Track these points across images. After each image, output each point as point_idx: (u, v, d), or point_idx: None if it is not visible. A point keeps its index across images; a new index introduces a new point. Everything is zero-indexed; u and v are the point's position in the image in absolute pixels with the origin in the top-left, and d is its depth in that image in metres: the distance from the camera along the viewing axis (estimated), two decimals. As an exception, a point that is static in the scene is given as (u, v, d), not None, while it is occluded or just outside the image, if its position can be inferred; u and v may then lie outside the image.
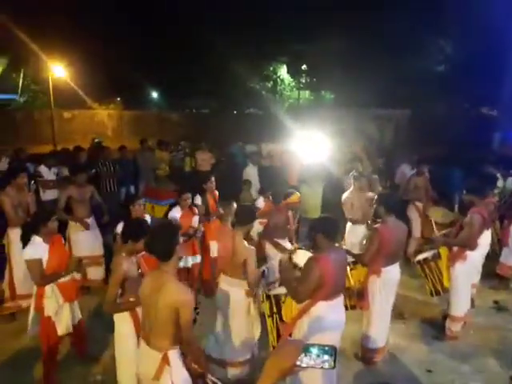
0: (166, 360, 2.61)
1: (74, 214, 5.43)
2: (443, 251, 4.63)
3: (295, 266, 4.19)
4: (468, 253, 4.51)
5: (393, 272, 4.12)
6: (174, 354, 2.65)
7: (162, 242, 2.62)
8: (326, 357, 1.36)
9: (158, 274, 2.65)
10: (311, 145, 7.79)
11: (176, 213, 5.07)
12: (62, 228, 5.34)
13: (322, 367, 1.37)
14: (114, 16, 22.68)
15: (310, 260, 3.24)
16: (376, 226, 4.11)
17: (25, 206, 4.98)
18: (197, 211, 5.36)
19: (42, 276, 3.60)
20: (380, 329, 4.17)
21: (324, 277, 3.09)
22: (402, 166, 8.35)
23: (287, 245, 5.12)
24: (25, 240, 3.69)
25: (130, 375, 3.30)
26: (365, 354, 4.23)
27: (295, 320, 3.31)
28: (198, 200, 5.80)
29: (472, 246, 4.51)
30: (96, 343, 4.33)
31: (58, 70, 17.73)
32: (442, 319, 4.85)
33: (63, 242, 4.01)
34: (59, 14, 20.28)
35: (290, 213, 5.26)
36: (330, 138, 8.42)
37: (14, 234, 4.81)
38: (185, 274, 5.20)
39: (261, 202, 6.11)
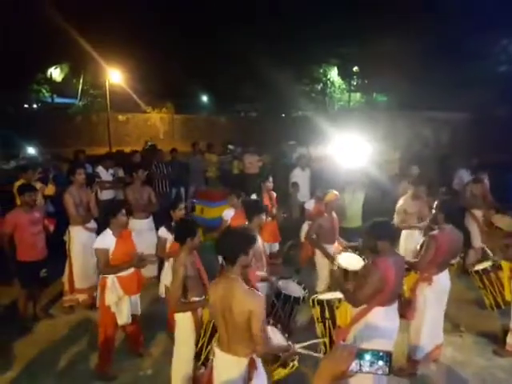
0: (253, 365, 2.62)
1: (134, 212, 5.65)
2: (505, 262, 4.36)
3: (345, 270, 4.12)
4: None
5: (443, 279, 3.97)
6: (257, 358, 2.66)
7: (228, 245, 2.63)
8: (381, 363, 1.32)
9: (224, 281, 2.62)
10: (352, 149, 7.57)
11: (230, 212, 5.17)
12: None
13: (376, 373, 1.32)
14: (170, 26, 23.50)
15: (370, 264, 3.19)
16: (433, 233, 3.95)
17: (86, 204, 5.21)
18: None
19: (105, 265, 3.85)
20: (430, 338, 4.00)
21: (384, 281, 3.02)
22: (460, 171, 7.95)
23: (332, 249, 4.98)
24: (100, 231, 3.96)
25: (185, 373, 3.41)
26: (408, 365, 4.05)
27: (350, 325, 3.25)
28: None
29: None
30: (146, 339, 4.45)
31: (115, 75, 18.63)
32: (502, 334, 4.54)
33: (132, 236, 4.19)
34: (116, 22, 21.29)
35: (334, 214, 5.11)
36: (379, 142, 8.20)
37: (75, 232, 5.12)
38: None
39: (311, 204, 6.05)
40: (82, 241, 5.09)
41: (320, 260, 5.03)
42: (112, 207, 4.18)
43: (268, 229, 5.50)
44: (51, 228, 5.03)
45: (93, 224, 5.29)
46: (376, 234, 3.21)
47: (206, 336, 3.28)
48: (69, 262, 5.19)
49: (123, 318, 3.92)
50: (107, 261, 3.86)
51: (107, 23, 21.27)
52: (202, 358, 3.30)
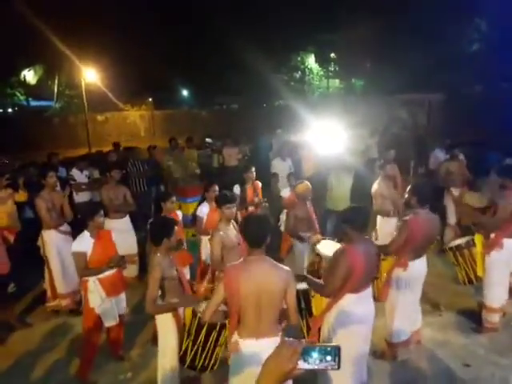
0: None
1: (109, 212, 5.56)
2: (478, 238, 4.41)
3: (319, 255, 4.14)
4: (505, 240, 4.26)
5: (419, 266, 3.96)
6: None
7: (255, 230, 2.68)
8: (329, 358, 1.26)
9: (258, 263, 2.64)
10: (331, 135, 7.60)
11: (204, 208, 5.05)
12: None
13: (325, 369, 1.28)
14: (144, 18, 23.08)
15: (338, 252, 3.18)
16: (406, 217, 3.94)
17: (58, 208, 5.10)
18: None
19: (83, 268, 3.80)
20: (404, 323, 4.02)
21: (352, 268, 3.02)
22: (435, 150, 8.04)
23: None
24: (75, 234, 3.91)
25: (171, 374, 3.38)
26: (388, 349, 4.10)
27: (323, 314, 3.25)
28: (237, 190, 5.88)
29: (506, 231, 4.25)
30: (126, 341, 4.39)
31: (90, 74, 18.26)
32: (478, 310, 4.62)
33: (112, 237, 4.13)
34: (89, 17, 20.87)
35: (308, 204, 5.10)
36: (357, 127, 8.25)
37: (49, 236, 5.03)
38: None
39: (287, 193, 6.05)
40: (57, 244, 5.01)
41: (298, 248, 5.04)
42: (89, 209, 4.12)
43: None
44: (11, 239, 4.92)
45: (66, 227, 5.20)
46: (345, 220, 3.21)
47: (190, 338, 3.25)
48: (47, 268, 5.10)
49: (109, 319, 3.88)
50: (84, 264, 3.80)
51: (79, 21, 20.85)
52: (187, 361, 3.28)
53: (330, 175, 6.67)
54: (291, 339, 1.34)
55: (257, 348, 2.59)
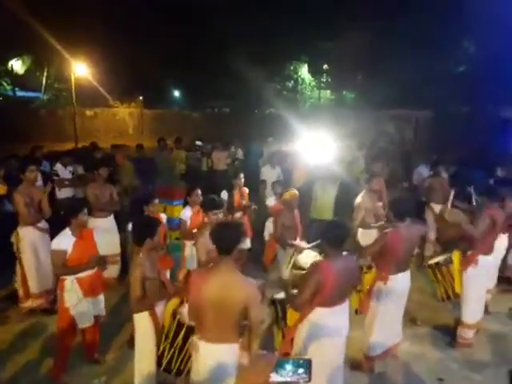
0: (245, 349, 2.72)
1: (94, 211, 5.47)
2: (455, 256, 4.49)
3: (297, 267, 4.18)
4: (480, 257, 4.38)
5: (402, 280, 4.00)
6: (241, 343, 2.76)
7: (225, 236, 2.70)
8: (301, 370, 1.30)
9: (219, 272, 2.66)
10: (321, 146, 7.71)
11: (187, 211, 5.04)
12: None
13: (297, 381, 1.30)
14: (138, 15, 22.96)
15: (311, 266, 3.21)
16: (386, 230, 3.99)
17: (37, 203, 4.95)
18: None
19: (60, 266, 3.71)
20: (383, 337, 4.05)
21: (323, 283, 3.04)
22: (419, 166, 8.19)
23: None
24: (53, 231, 3.83)
25: (148, 378, 3.35)
26: (365, 361, 4.13)
27: (295, 325, 3.27)
28: (224, 195, 5.88)
29: (482, 248, 4.38)
30: (103, 343, 4.32)
31: (81, 69, 18.04)
32: (454, 326, 4.70)
33: (93, 236, 4.05)
34: (82, 12, 20.66)
35: (295, 212, 5.15)
36: (346, 139, 8.38)
37: (25, 232, 4.88)
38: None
39: (272, 201, 6.08)
40: (33, 242, 4.87)
41: (282, 256, 5.07)
42: (73, 206, 4.00)
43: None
44: None
45: (44, 224, 5.05)
46: (323, 235, 3.24)
47: (168, 341, 3.24)
48: (20, 266, 4.95)
49: (84, 320, 3.80)
50: (62, 262, 3.70)
51: (71, 14, 20.61)
52: (163, 363, 3.26)
53: (315, 185, 6.80)
54: (265, 352, 1.38)
55: (211, 352, 2.67)
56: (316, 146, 8.07)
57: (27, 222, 4.86)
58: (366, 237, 5.59)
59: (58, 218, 4.50)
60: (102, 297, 4.03)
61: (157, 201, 4.80)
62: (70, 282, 3.71)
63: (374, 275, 4.09)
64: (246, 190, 6.36)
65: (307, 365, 1.31)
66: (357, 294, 4.11)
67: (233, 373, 2.58)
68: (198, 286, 2.64)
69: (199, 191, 5.06)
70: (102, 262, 3.93)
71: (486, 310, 5.08)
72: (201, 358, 2.72)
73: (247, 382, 1.30)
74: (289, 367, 1.31)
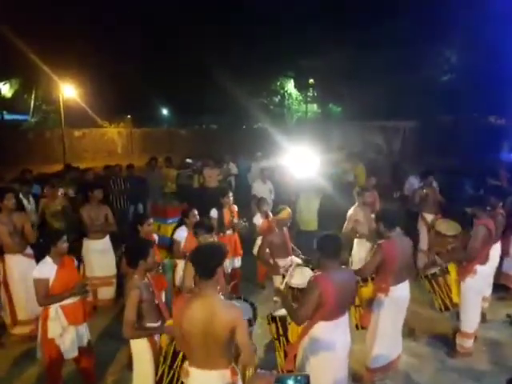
0: (234, 373, 2.67)
1: (89, 233, 5.47)
2: (451, 266, 4.54)
3: (290, 287, 4.14)
4: (478, 267, 4.42)
5: (402, 291, 4.01)
6: (236, 368, 2.71)
7: (206, 259, 2.62)
8: None
9: (201, 298, 2.58)
10: (304, 159, 7.85)
11: (182, 232, 4.99)
12: (78, 247, 5.42)
13: None
14: (124, 36, 23.16)
15: (310, 280, 3.20)
16: (380, 241, 4.02)
17: (19, 229, 4.83)
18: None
19: (44, 296, 3.61)
20: (385, 348, 4.05)
21: (324, 297, 3.04)
22: (409, 177, 8.28)
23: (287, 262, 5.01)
24: (38, 259, 3.74)
25: None
26: (366, 374, 4.11)
27: (298, 341, 3.26)
28: (214, 214, 5.85)
29: (479, 258, 4.42)
30: (100, 365, 4.25)
31: (68, 90, 18.08)
32: (452, 335, 4.72)
33: (76, 264, 3.97)
34: (69, 34, 20.77)
35: (285, 229, 5.15)
36: (334, 152, 8.54)
37: (11, 260, 4.79)
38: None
39: (258, 219, 6.07)
40: (21, 269, 4.75)
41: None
42: (52, 234, 3.90)
43: (228, 243, 5.50)
44: None
45: (29, 250, 4.91)
46: (318, 248, 3.25)
47: (167, 363, 3.20)
48: (6, 294, 4.84)
49: (68, 351, 3.68)
50: (46, 291, 3.61)
51: (60, 35, 20.71)
52: None
53: (299, 198, 7.16)
54: (263, 371, 1.39)
55: (204, 378, 2.61)
56: (300, 160, 8.19)
57: (13, 251, 4.76)
58: (361, 248, 5.63)
59: (39, 246, 4.36)
60: (85, 325, 3.91)
61: (151, 220, 4.77)
62: (54, 310, 3.61)
63: (371, 288, 4.10)
64: (235, 207, 6.33)
65: (305, 381, 1.34)
66: (355, 308, 4.12)
67: None
68: (181, 313, 2.57)
69: (196, 211, 5.03)
70: (84, 289, 3.83)
71: (484, 318, 5.12)
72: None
73: None
74: (288, 382, 1.33)
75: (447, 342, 4.77)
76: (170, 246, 5.11)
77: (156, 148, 22.04)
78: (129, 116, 28.25)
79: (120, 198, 8.02)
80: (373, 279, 4.14)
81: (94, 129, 25.40)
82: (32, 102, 25.43)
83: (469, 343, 4.54)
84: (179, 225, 5.14)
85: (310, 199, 7.11)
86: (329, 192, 7.49)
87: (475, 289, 4.46)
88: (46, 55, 19.52)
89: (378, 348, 4.01)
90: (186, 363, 2.73)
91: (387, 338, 4.03)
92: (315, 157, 8.05)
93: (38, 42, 19.26)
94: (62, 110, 17.96)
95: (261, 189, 8.05)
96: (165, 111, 31.97)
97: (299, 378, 1.34)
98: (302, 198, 7.19)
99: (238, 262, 5.94)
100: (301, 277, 4.27)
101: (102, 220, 5.64)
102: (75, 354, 3.75)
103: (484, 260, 4.48)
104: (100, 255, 5.49)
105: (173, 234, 5.12)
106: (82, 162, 17.79)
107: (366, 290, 4.12)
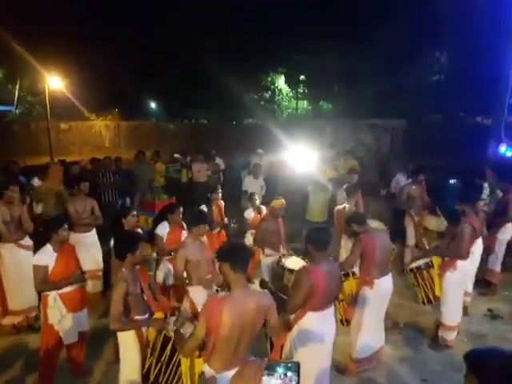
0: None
1: (75, 226, 5.40)
2: (436, 260, 4.66)
3: (284, 268, 4.22)
4: (458, 262, 4.55)
5: (385, 283, 4.13)
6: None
7: (243, 255, 2.65)
8: (290, 373, 1.34)
9: (242, 294, 2.55)
10: (305, 155, 8.01)
11: (164, 227, 4.94)
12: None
13: None
14: (112, 27, 22.84)
15: (301, 270, 3.26)
16: (359, 235, 4.13)
17: (16, 220, 4.86)
18: (185, 226, 5.07)
19: (41, 281, 3.66)
20: (370, 340, 4.15)
21: (314, 287, 3.11)
22: (397, 175, 8.37)
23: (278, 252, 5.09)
24: (37, 248, 3.80)
25: None
26: (352, 365, 4.20)
27: (286, 331, 3.28)
28: (204, 209, 5.76)
29: (463, 255, 4.54)
30: (88, 357, 4.26)
31: (55, 81, 17.73)
32: (435, 328, 4.83)
33: (75, 251, 4.02)
34: (56, 24, 20.41)
35: (280, 220, 5.22)
36: (325, 149, 8.69)
37: (6, 250, 4.79)
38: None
39: (250, 214, 6.10)
40: (15, 259, 4.76)
41: (264, 261, 5.12)
42: (53, 221, 3.95)
43: (217, 240, 5.50)
44: None
45: (27, 241, 4.93)
46: (309, 240, 3.30)
47: (154, 355, 3.23)
48: None
49: (69, 336, 3.75)
50: (44, 278, 3.66)
51: (46, 25, 20.33)
52: (151, 378, 3.25)
53: (308, 191, 7.63)
54: (254, 358, 1.40)
55: (225, 379, 2.51)
56: (301, 155, 8.51)
57: (8, 240, 4.76)
58: (347, 241, 5.68)
59: (37, 233, 4.41)
60: (85, 312, 4.01)
61: (134, 213, 4.73)
62: (52, 298, 3.67)
63: (353, 283, 4.21)
64: (223, 203, 6.32)
65: (295, 368, 1.37)
66: (339, 303, 4.20)
67: None
68: (218, 317, 2.41)
69: (181, 209, 4.98)
70: (82, 278, 3.91)
71: (466, 312, 5.26)
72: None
73: None
74: (279, 370, 1.36)
75: (430, 334, 4.89)
76: (149, 239, 5.03)
77: (144, 142, 21.81)
78: (116, 109, 27.91)
79: (109, 192, 7.96)
80: (354, 274, 4.27)
81: (80, 122, 24.99)
82: (16, 93, 24.93)
83: (451, 336, 4.68)
84: (160, 220, 5.03)
85: (317, 191, 7.52)
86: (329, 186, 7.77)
87: (455, 283, 4.59)
88: (32, 45, 19.11)
89: (363, 339, 4.11)
90: (207, 369, 2.54)
91: (372, 329, 4.13)
92: (314, 153, 8.35)
93: (23, 31, 18.85)
94: (47, 101, 17.62)
95: (252, 184, 8.08)
96: (153, 105, 31.68)
97: (289, 365, 1.38)
98: (310, 190, 7.66)
99: None
100: (293, 262, 4.50)
101: (89, 213, 5.60)
102: (75, 339, 3.81)
103: (465, 256, 4.60)
104: (86, 248, 5.42)
105: (154, 227, 5.06)
106: (69, 155, 17.56)
107: (348, 284, 4.24)
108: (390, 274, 4.22)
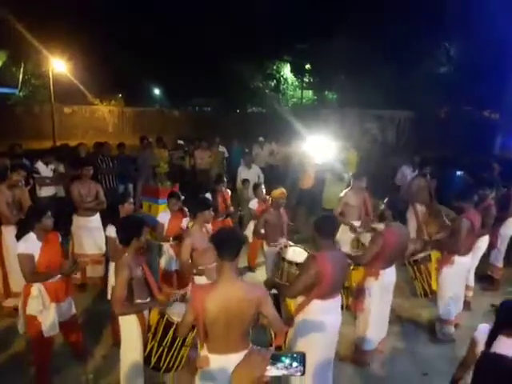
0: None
1: (78, 210, 5.41)
2: (434, 254, 4.65)
3: (284, 259, 4.21)
4: (456, 257, 4.54)
5: (390, 274, 4.12)
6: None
7: (231, 241, 2.58)
8: (296, 364, 1.31)
9: (228, 281, 2.52)
10: (324, 146, 8.35)
11: (166, 215, 4.98)
12: (68, 224, 5.41)
13: (292, 375, 1.32)
14: (117, 12, 22.63)
15: (308, 257, 3.26)
16: (380, 229, 4.08)
17: (18, 203, 4.86)
18: (187, 213, 5.11)
19: (31, 272, 3.53)
20: (376, 331, 4.15)
21: (321, 275, 3.08)
22: (402, 167, 8.30)
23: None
24: (19, 236, 3.64)
25: (135, 374, 3.32)
26: (359, 356, 4.20)
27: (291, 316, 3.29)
28: (209, 197, 5.77)
29: (460, 250, 4.53)
30: (90, 342, 4.29)
31: (59, 65, 17.60)
32: (435, 322, 4.82)
33: (59, 240, 3.89)
34: (60, 7, 20.19)
35: (282, 211, 5.17)
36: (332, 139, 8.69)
37: (8, 232, 4.77)
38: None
39: (254, 204, 6.06)
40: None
41: (267, 250, 5.11)
42: (36, 210, 3.79)
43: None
44: None
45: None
46: (316, 229, 3.26)
47: (156, 340, 3.22)
48: (1, 265, 4.84)
49: (48, 328, 3.63)
50: (33, 267, 3.52)
51: (50, 8, 20.10)
52: (152, 362, 3.25)
53: (325, 179, 7.84)
54: (259, 348, 1.38)
55: (225, 363, 2.50)
56: (319, 146, 8.66)
57: (11, 222, 4.74)
58: (344, 231, 5.59)
59: (22, 222, 4.30)
60: (69, 300, 3.87)
61: (131, 200, 4.67)
62: (37, 288, 3.54)
63: (362, 273, 4.16)
64: (229, 192, 6.34)
65: (301, 358, 1.34)
66: (343, 289, 4.15)
67: None
68: (202, 305, 2.45)
69: (175, 201, 4.98)
70: (74, 267, 3.80)
71: (468, 307, 5.24)
72: (211, 373, 2.54)
73: (243, 377, 1.30)
74: (283, 361, 1.33)
75: (432, 328, 4.86)
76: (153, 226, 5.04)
77: (148, 128, 21.73)
78: (120, 95, 27.77)
79: (108, 177, 7.91)
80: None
81: (84, 106, 24.89)
82: (20, 76, 24.77)
83: (449, 330, 4.67)
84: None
85: (332, 180, 7.67)
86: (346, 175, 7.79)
87: (451, 278, 4.58)
88: (36, 27, 18.90)
89: (371, 330, 4.10)
90: (203, 351, 2.63)
91: (378, 320, 4.13)
92: (332, 143, 8.62)
93: (27, 13, 18.68)
94: (51, 84, 17.51)
95: (247, 174, 8.05)
96: (157, 91, 31.53)
97: (295, 355, 1.34)
98: (326, 179, 7.81)
99: None
100: (293, 254, 4.43)
101: (93, 197, 5.57)
102: (56, 331, 3.70)
103: (465, 251, 4.59)
104: (90, 232, 5.44)
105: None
106: (72, 139, 17.47)
107: (356, 274, 4.20)
108: (394, 265, 4.19)
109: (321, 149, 8.61)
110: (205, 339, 2.57)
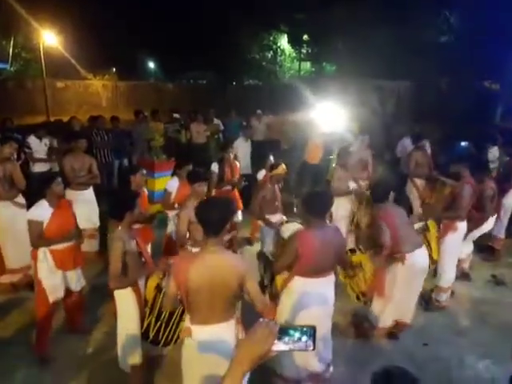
0: (238, 321, 2.67)
1: (71, 184, 5.28)
2: (431, 223, 4.56)
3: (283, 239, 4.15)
4: (458, 223, 4.50)
5: (418, 257, 3.84)
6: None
7: (213, 216, 2.48)
8: (305, 338, 1.23)
9: (209, 253, 2.48)
10: (332, 115, 7.96)
11: (174, 182, 4.97)
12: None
13: (302, 350, 1.24)
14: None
15: (292, 234, 3.23)
16: (376, 212, 3.98)
17: (10, 178, 4.75)
18: None
19: (37, 237, 3.60)
20: (393, 314, 4.04)
21: (299, 251, 3.02)
22: (403, 139, 8.14)
23: (276, 218, 5.01)
24: (30, 205, 3.73)
25: (133, 347, 3.28)
26: (367, 328, 4.17)
27: (278, 292, 3.30)
28: (215, 167, 5.83)
29: (462, 216, 4.50)
30: (86, 316, 4.26)
31: (49, 37, 17.09)
32: (430, 291, 4.79)
33: (72, 207, 3.96)
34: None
35: (276, 186, 5.12)
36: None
37: (2, 208, 4.72)
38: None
39: (262, 174, 5.99)
40: (11, 217, 4.69)
41: (266, 231, 5.01)
42: (45, 177, 3.89)
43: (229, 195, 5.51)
44: None
45: (21, 199, 4.86)
46: (304, 204, 3.17)
47: (154, 314, 3.21)
48: None
49: (53, 292, 3.68)
50: (40, 234, 3.60)
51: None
52: (150, 336, 3.24)
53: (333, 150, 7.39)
54: (266, 320, 1.29)
55: (208, 335, 2.53)
56: (327, 116, 8.29)
57: (3, 197, 4.68)
58: (339, 206, 5.46)
59: (35, 191, 4.29)
60: (79, 271, 3.94)
61: (144, 171, 4.67)
62: (42, 252, 3.63)
63: (362, 257, 3.96)
64: (238, 164, 6.25)
65: (311, 332, 1.25)
66: (350, 279, 3.99)
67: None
68: (186, 270, 2.42)
69: (190, 167, 4.94)
70: (78, 236, 3.85)
71: (468, 277, 5.23)
72: (195, 343, 2.56)
73: (249, 352, 1.21)
74: (293, 335, 1.24)
75: (427, 298, 4.81)
76: (158, 199, 5.01)
77: (142, 102, 21.31)
78: (114, 69, 27.18)
79: (103, 151, 7.77)
80: (360, 249, 4.10)
81: (77, 81, 24.38)
82: (11, 50, 24.11)
83: (444, 297, 4.70)
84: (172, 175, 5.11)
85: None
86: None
87: (454, 245, 4.57)
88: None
89: (390, 312, 4.01)
90: (186, 322, 2.65)
91: (401, 307, 4.00)
92: (340, 113, 8.19)
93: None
94: (42, 57, 17.04)
95: (242, 146, 7.91)
96: (151, 64, 30.88)
97: (305, 329, 1.25)
98: (334, 151, 7.43)
99: (237, 216, 5.89)
100: (290, 229, 4.26)
101: (86, 171, 5.44)
102: (60, 295, 3.75)
103: (464, 217, 4.56)
104: (83, 206, 5.28)
105: None
106: (65, 114, 17.11)
107: (356, 259, 4.01)
108: (424, 246, 4.00)
109: (329, 117, 8.24)
110: (188, 310, 2.58)
